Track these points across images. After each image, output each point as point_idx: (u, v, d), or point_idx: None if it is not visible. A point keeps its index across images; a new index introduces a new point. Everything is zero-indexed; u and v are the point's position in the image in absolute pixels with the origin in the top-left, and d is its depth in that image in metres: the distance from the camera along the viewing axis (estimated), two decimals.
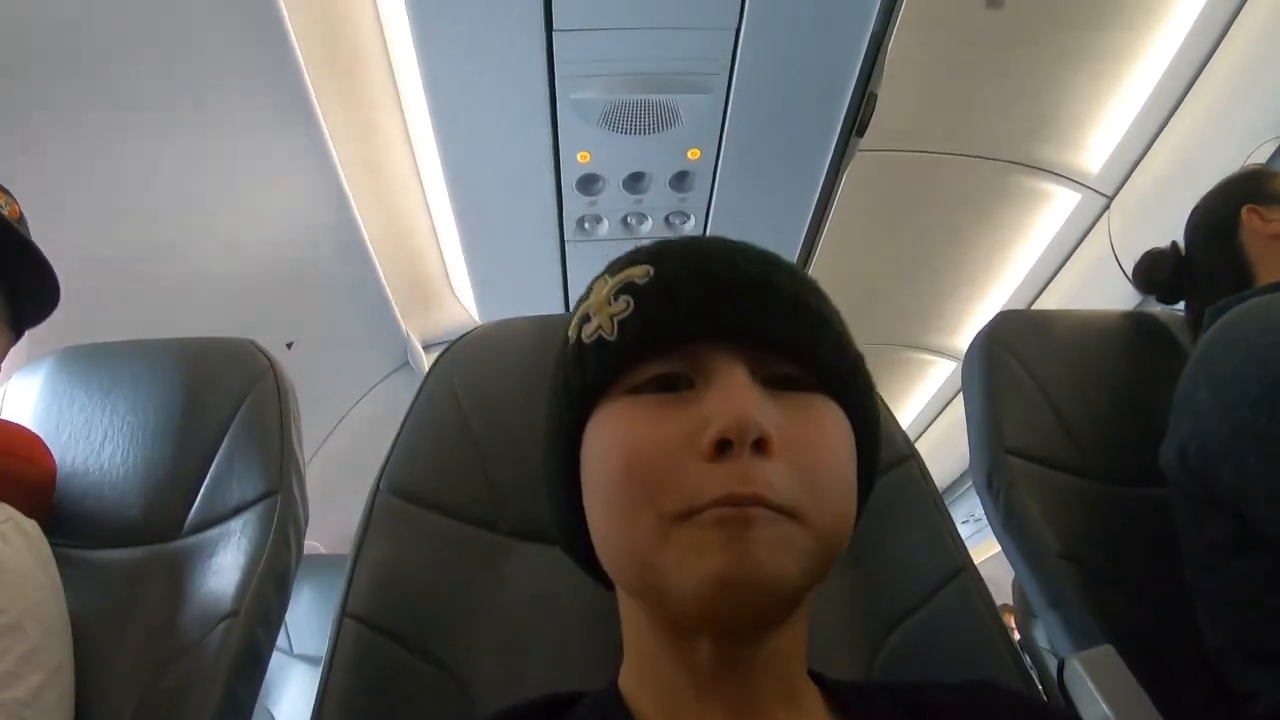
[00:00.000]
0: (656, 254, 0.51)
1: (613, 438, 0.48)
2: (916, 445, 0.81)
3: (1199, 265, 1.06)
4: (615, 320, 0.49)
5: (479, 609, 0.71)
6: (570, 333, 0.52)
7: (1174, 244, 1.11)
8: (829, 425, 0.48)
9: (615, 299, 0.49)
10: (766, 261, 0.51)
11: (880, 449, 0.56)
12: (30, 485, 0.89)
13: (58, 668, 0.77)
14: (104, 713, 0.79)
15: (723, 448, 0.43)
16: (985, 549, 3.10)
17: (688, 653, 0.47)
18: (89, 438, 0.96)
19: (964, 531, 2.91)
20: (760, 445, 0.43)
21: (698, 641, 0.46)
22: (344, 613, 0.68)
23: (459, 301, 2.66)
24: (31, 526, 0.84)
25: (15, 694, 0.71)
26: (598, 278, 0.53)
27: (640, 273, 0.50)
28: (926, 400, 3.71)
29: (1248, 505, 0.80)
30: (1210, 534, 0.84)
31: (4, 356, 0.93)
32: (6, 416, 1.01)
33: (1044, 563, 0.92)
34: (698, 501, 0.43)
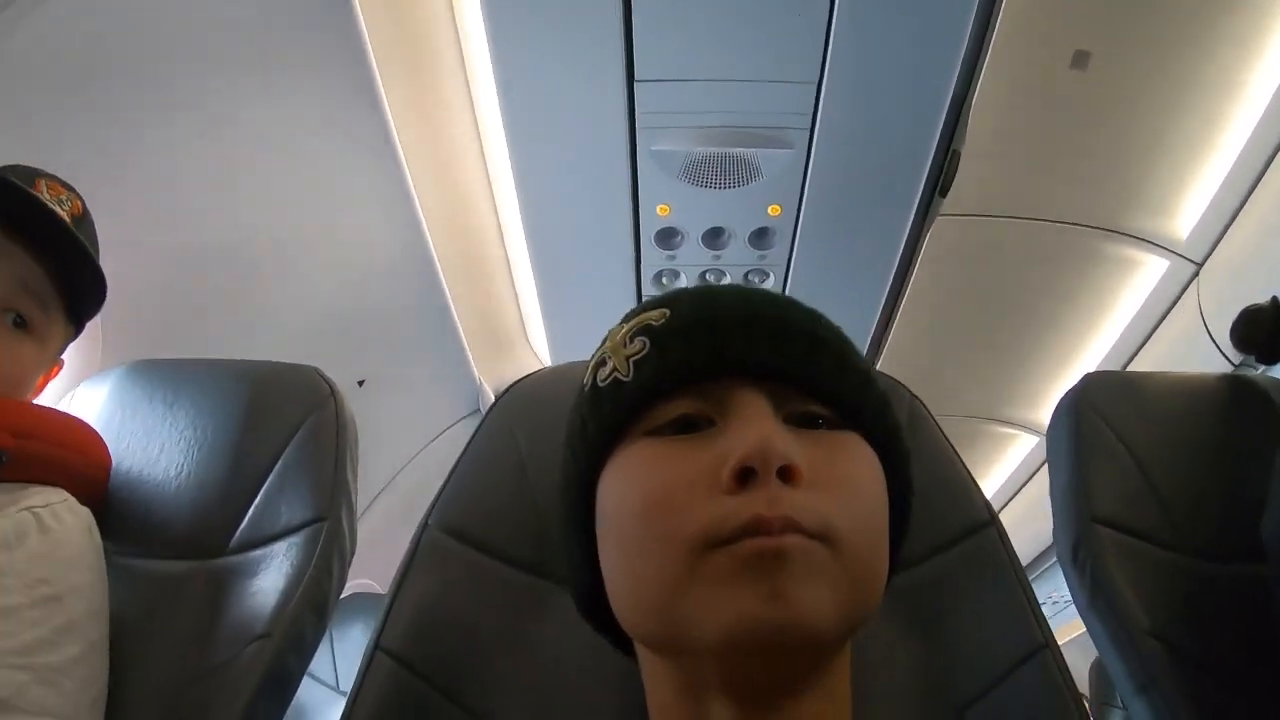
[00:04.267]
0: (671, 299, 0.51)
1: (631, 479, 0.46)
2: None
3: None
4: (631, 361, 0.48)
5: (515, 654, 0.68)
6: (586, 379, 0.52)
7: (1274, 299, 1.04)
8: (859, 460, 0.47)
9: (631, 341, 0.49)
10: (778, 305, 0.50)
11: (913, 493, 0.54)
12: (83, 478, 0.90)
13: (94, 646, 0.78)
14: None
15: (745, 477, 0.41)
16: (1065, 631, 2.95)
17: (708, 713, 0.44)
18: (146, 448, 0.98)
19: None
20: (786, 474, 0.41)
21: (720, 703, 0.44)
22: (377, 645, 0.67)
23: (533, 352, 2.68)
24: (85, 513, 0.85)
25: (50, 659, 0.72)
26: (613, 328, 0.53)
27: (656, 315, 0.49)
28: (1006, 477, 3.57)
29: None
30: None
31: (65, 349, 0.96)
32: None
33: (1134, 642, 0.84)
34: (723, 530, 0.40)
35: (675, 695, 0.46)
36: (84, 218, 0.93)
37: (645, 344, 0.48)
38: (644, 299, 2.00)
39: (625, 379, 0.48)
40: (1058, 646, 0.66)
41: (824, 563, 0.40)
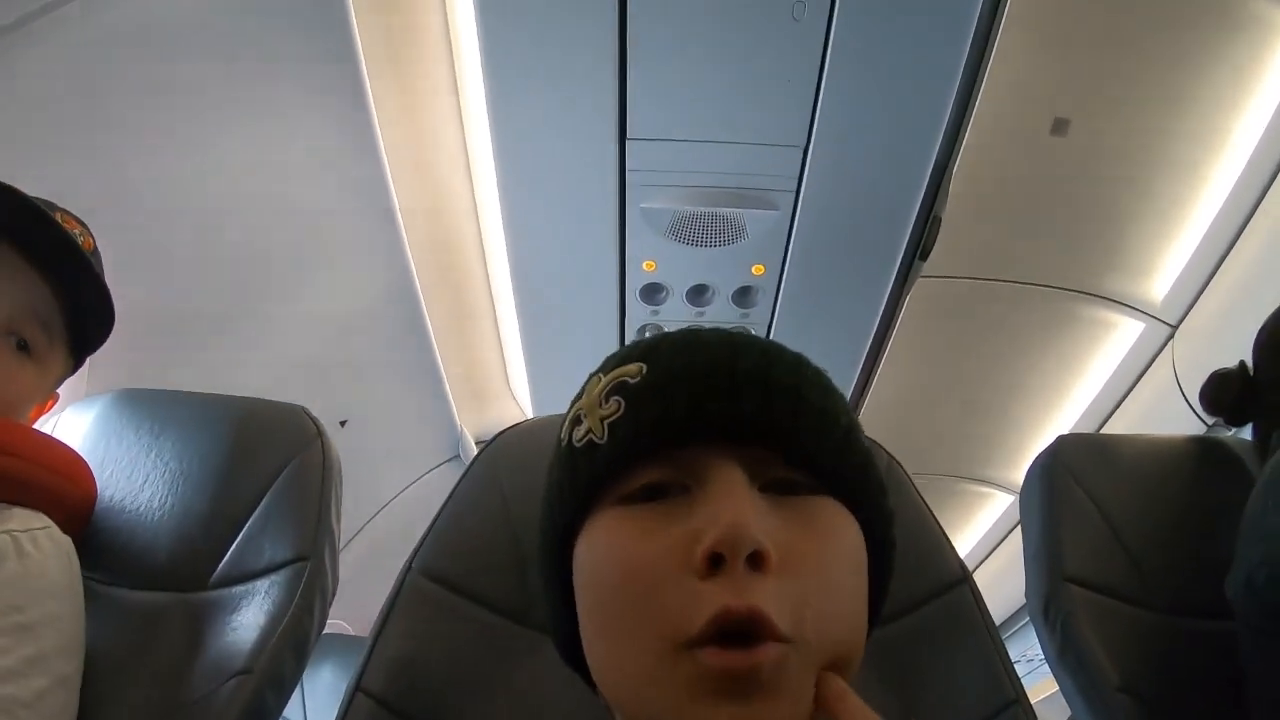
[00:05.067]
0: (650, 350, 0.49)
1: (604, 553, 0.45)
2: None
3: (1266, 384, 1.01)
4: (605, 423, 0.47)
5: (495, 699, 0.69)
6: (563, 435, 0.51)
7: (1241, 363, 1.06)
8: (834, 536, 0.46)
9: (606, 400, 0.47)
10: (766, 355, 0.48)
11: (895, 550, 0.53)
12: (69, 505, 0.89)
13: (63, 680, 0.76)
14: None
15: (716, 562, 0.40)
16: (1039, 690, 2.93)
17: None
18: (130, 477, 0.97)
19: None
20: (756, 560, 0.40)
21: None
22: (358, 687, 0.67)
23: (515, 400, 2.69)
24: (66, 542, 0.84)
25: (13, 691, 0.70)
26: (593, 375, 0.52)
27: (633, 370, 0.47)
28: (982, 535, 3.58)
29: None
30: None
31: (62, 382, 0.96)
32: None
33: (1104, 698, 0.85)
34: (694, 625, 0.40)
35: None
36: (95, 254, 0.94)
37: (620, 405, 0.46)
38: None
39: (600, 441, 0.46)
40: (1029, 702, 0.67)
41: (794, 672, 0.40)
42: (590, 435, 0.47)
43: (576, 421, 0.49)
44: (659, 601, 0.41)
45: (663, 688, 0.41)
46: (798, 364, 0.49)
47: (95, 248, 0.94)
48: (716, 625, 0.39)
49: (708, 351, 0.47)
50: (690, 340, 0.49)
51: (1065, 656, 0.90)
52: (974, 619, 0.73)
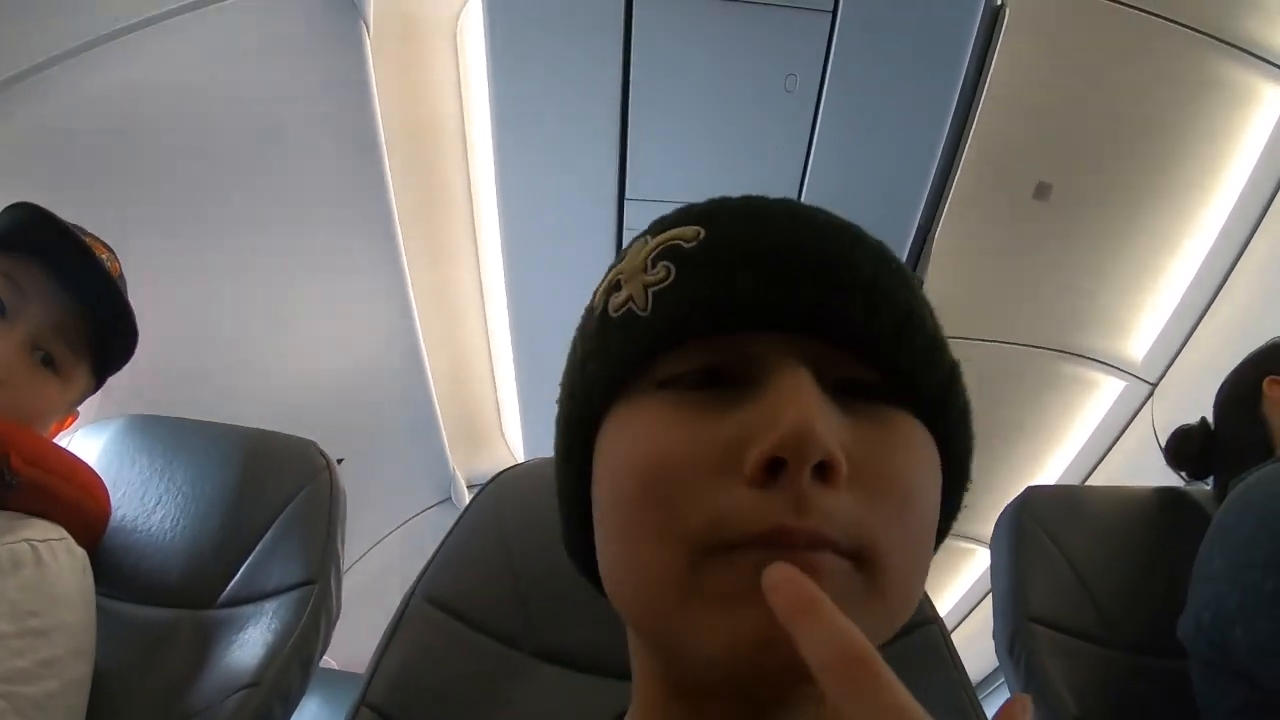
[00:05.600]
0: (709, 213, 0.41)
1: (634, 443, 0.38)
2: (951, 637, 0.80)
3: (1225, 438, 1.08)
4: (650, 291, 0.38)
5: (490, 719, 0.72)
6: (596, 302, 0.43)
7: (1203, 419, 1.13)
8: (916, 453, 0.38)
9: (653, 265, 0.39)
10: (846, 234, 0.40)
11: (968, 487, 0.45)
12: (85, 518, 0.92)
13: (74, 684, 0.79)
14: None
15: (774, 468, 0.33)
16: None
17: (701, 715, 0.39)
18: (143, 499, 1.01)
19: None
20: (823, 471, 0.33)
21: (714, 706, 0.38)
22: (363, 700, 0.70)
23: (507, 446, 2.72)
24: (81, 554, 0.87)
25: (29, 691, 0.73)
26: (638, 237, 0.43)
27: (689, 234, 0.39)
28: (965, 591, 3.58)
29: (1260, 670, 0.78)
30: (1227, 701, 0.82)
31: (83, 400, 0.99)
32: None
33: None
34: (732, 532, 0.33)
35: (666, 693, 0.41)
36: (121, 278, 0.98)
37: (670, 271, 0.38)
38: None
39: (642, 313, 0.38)
40: None
41: (854, 592, 0.34)
42: (631, 304, 0.39)
43: (615, 288, 0.41)
44: (694, 505, 0.34)
45: (690, 600, 0.34)
46: (881, 251, 0.41)
47: (121, 273, 0.98)
48: (765, 541, 0.33)
49: (776, 223, 0.40)
50: (756, 208, 0.41)
51: (1028, 689, 0.94)
52: (943, 657, 0.76)
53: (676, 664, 0.39)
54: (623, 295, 0.40)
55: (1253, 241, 2.03)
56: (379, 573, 2.51)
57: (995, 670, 3.43)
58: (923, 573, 0.38)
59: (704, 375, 0.38)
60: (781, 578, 0.29)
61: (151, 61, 1.24)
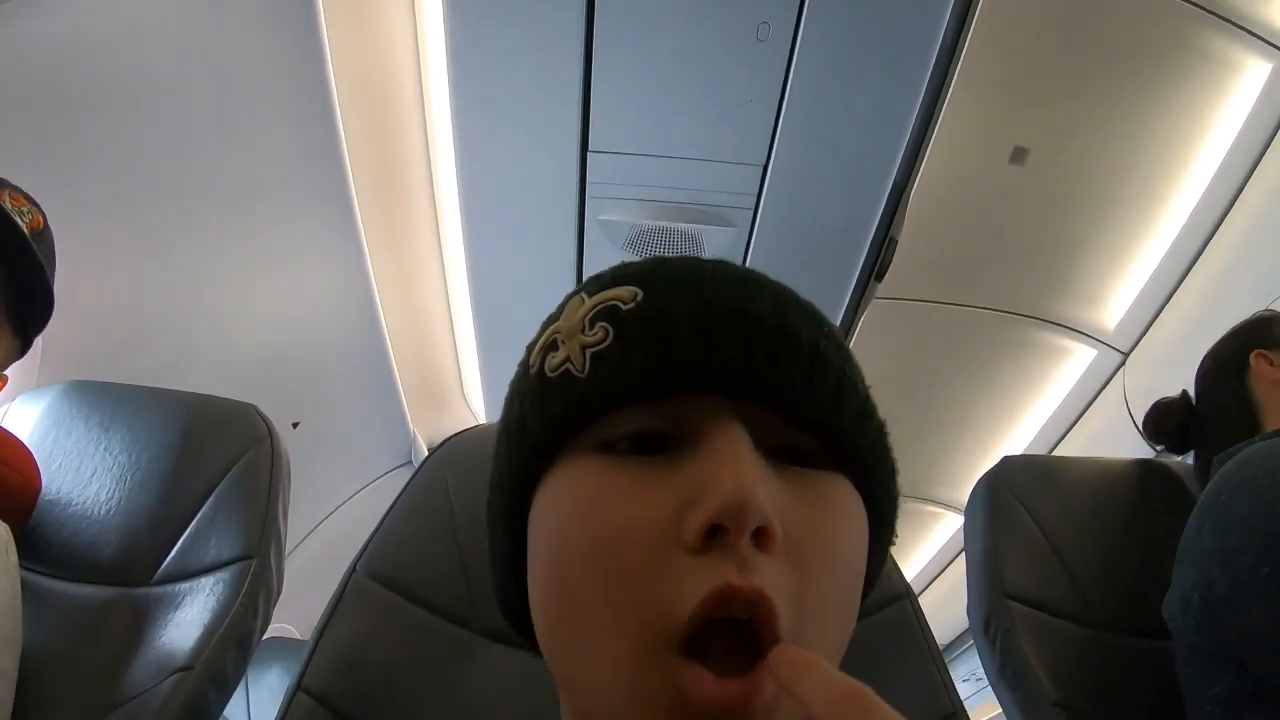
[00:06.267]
0: (647, 274, 0.41)
1: (575, 509, 0.38)
2: (920, 600, 0.78)
3: (1207, 412, 1.05)
4: (588, 353, 0.39)
5: (436, 701, 0.68)
6: (532, 360, 0.42)
7: (1184, 393, 1.10)
8: (843, 518, 0.39)
9: (591, 325, 0.39)
10: (784, 299, 0.41)
11: (892, 538, 0.46)
12: (11, 493, 0.89)
13: (1, 673, 0.75)
14: None
15: (713, 533, 0.34)
16: (987, 709, 2.98)
17: None
18: (79, 470, 0.97)
19: (964, 690, 2.80)
20: (759, 537, 0.34)
21: None
22: (299, 687, 0.66)
23: (469, 408, 2.68)
24: (3, 530, 0.83)
25: None
26: (573, 294, 0.43)
27: (627, 295, 0.40)
28: (932, 555, 3.64)
29: (1251, 657, 0.76)
30: (1215, 688, 0.80)
31: (10, 364, 0.94)
32: None
33: (1039, 712, 0.87)
34: (683, 608, 0.34)
35: None
36: (44, 232, 0.93)
37: (608, 332, 0.38)
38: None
39: (579, 374, 0.38)
40: (965, 713, 0.68)
41: (790, 709, 0.34)
42: (569, 365, 0.39)
43: (551, 347, 0.41)
44: (640, 577, 0.35)
45: (634, 709, 0.35)
46: (815, 314, 0.42)
47: (45, 225, 0.93)
48: (712, 605, 0.33)
49: (716, 287, 0.40)
50: (695, 270, 0.41)
51: (1004, 672, 0.91)
52: (914, 633, 0.74)
53: None
54: (560, 355, 0.40)
55: (1229, 214, 2.02)
56: (341, 539, 2.47)
57: (962, 634, 3.50)
58: (848, 629, 0.40)
59: (643, 438, 0.38)
60: (784, 656, 0.32)
61: (79, 13, 1.16)
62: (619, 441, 0.38)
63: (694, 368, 0.37)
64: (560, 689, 0.44)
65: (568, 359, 0.39)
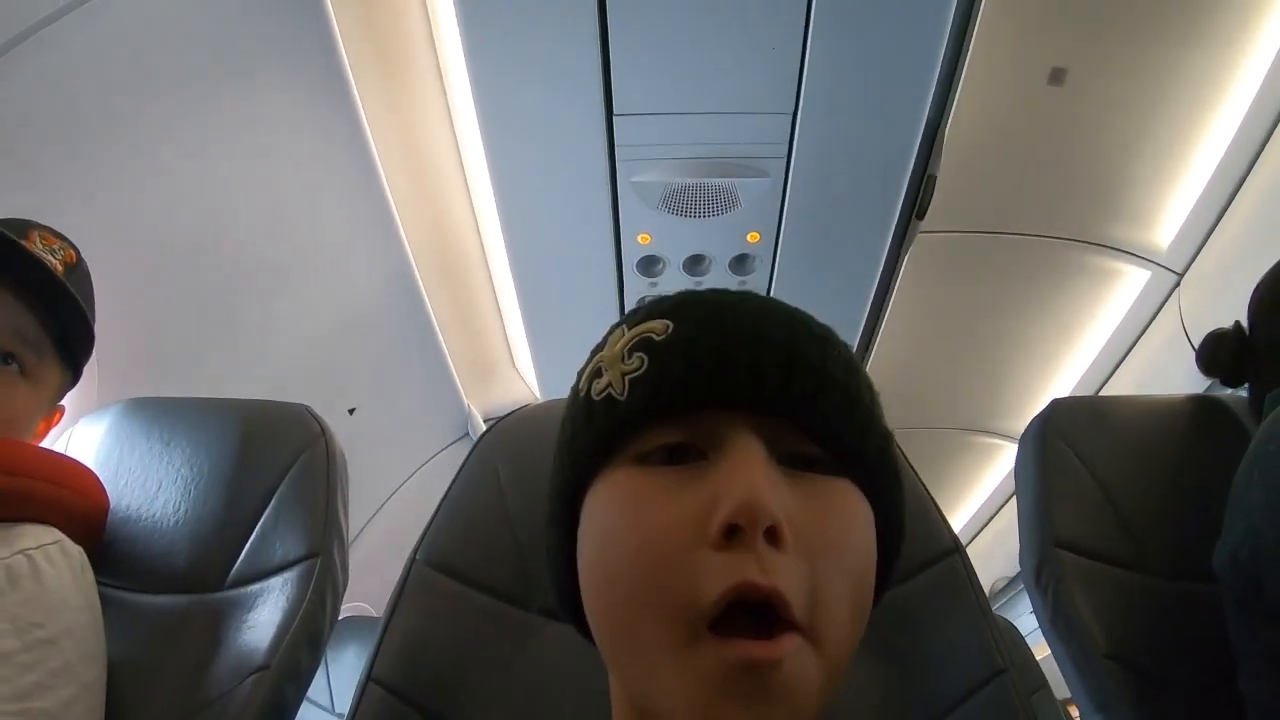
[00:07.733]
0: (677, 307, 0.48)
1: (618, 512, 0.45)
2: (982, 532, 0.77)
3: (1261, 345, 1.00)
4: (627, 379, 0.46)
5: (502, 684, 0.71)
6: (581, 385, 0.50)
7: (1237, 323, 1.05)
8: (851, 517, 0.45)
9: (629, 355, 0.47)
10: (794, 326, 0.48)
11: (904, 536, 0.53)
12: (79, 517, 0.91)
13: (89, 685, 0.79)
14: None
15: (731, 533, 0.40)
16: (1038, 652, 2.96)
17: None
18: (145, 485, 1.00)
19: (1025, 626, 2.78)
20: (770, 535, 0.40)
21: None
22: (369, 676, 0.70)
23: (520, 377, 2.71)
24: (77, 552, 0.87)
25: (43, 704, 0.73)
26: (615, 327, 0.51)
27: (659, 328, 0.47)
28: (995, 486, 3.59)
29: None
30: (1262, 642, 0.78)
31: (64, 394, 0.99)
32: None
33: (1091, 664, 0.86)
34: (709, 597, 0.40)
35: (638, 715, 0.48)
36: (77, 267, 0.96)
37: (643, 361, 0.46)
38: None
39: (619, 396, 0.46)
40: (1017, 671, 0.68)
41: (806, 657, 0.40)
42: (610, 389, 0.47)
43: (597, 374, 0.48)
44: (673, 569, 0.41)
45: (675, 680, 0.40)
46: (825, 338, 0.48)
47: (78, 258, 0.96)
48: (733, 598, 0.39)
49: (736, 316, 0.47)
50: (718, 302, 0.48)
51: (1055, 622, 0.90)
52: (964, 589, 0.73)
53: (649, 707, 0.45)
54: (604, 381, 0.47)
55: None
56: (407, 515, 2.54)
57: (1018, 575, 3.47)
58: (861, 625, 0.45)
59: (674, 450, 0.45)
60: None
61: None
62: (654, 454, 0.45)
63: (714, 387, 0.44)
64: (610, 667, 0.50)
65: (610, 384, 0.47)
